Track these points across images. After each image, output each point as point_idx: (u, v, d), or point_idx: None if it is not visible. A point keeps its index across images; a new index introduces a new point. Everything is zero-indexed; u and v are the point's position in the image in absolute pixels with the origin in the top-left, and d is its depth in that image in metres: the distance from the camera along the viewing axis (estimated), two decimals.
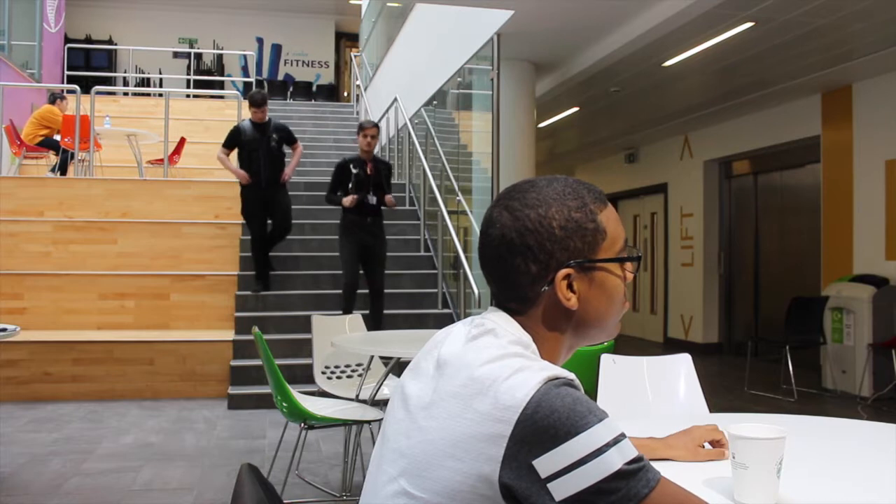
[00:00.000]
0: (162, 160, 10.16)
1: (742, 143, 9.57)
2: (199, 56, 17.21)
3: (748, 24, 5.91)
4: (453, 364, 1.05)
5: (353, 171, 6.50)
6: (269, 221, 7.34)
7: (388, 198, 6.64)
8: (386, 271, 7.30)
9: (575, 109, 9.56)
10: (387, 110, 10.23)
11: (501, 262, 1.12)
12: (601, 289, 1.14)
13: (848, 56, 6.82)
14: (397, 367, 3.53)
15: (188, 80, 16.17)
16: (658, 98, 8.87)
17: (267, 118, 7.27)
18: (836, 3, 5.41)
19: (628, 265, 1.17)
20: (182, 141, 10.64)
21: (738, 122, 9.50)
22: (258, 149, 7.12)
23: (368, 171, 6.52)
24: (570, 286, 1.12)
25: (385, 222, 6.77)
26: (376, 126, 6.71)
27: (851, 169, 7.69)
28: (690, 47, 6.57)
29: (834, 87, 7.83)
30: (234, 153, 7.30)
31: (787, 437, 1.32)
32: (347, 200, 6.37)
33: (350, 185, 6.45)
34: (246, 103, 7.54)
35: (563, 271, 1.11)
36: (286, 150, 7.36)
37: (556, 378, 0.98)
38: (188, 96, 15.00)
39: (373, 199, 6.52)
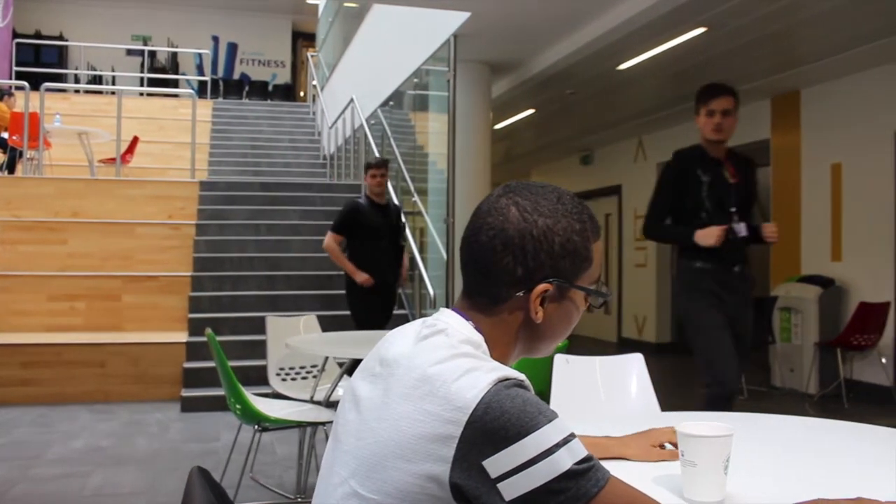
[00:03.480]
0: (114, 159, 9.99)
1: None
2: (153, 54, 16.95)
3: (701, 30, 6.01)
4: (404, 364, 1.05)
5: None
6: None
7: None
8: (341, 272, 7.23)
9: (531, 111, 9.61)
10: (343, 111, 10.19)
11: (491, 255, 1.12)
12: (565, 313, 1.16)
13: (796, 62, 6.96)
14: (352, 368, 3.52)
15: (142, 79, 15.93)
16: (613, 101, 8.97)
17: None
18: (786, 10, 5.52)
19: (595, 300, 1.19)
20: (135, 140, 10.48)
21: (691, 125, 9.50)
22: (382, 238, 5.72)
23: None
24: (542, 302, 1.13)
25: None
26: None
27: (799, 172, 7.86)
28: (645, 51, 6.65)
29: (783, 93, 7.99)
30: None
31: (735, 434, 1.35)
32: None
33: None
34: (202, 102, 7.29)
35: (543, 286, 1.12)
36: None
37: (507, 379, 0.99)
38: (142, 94, 14.78)
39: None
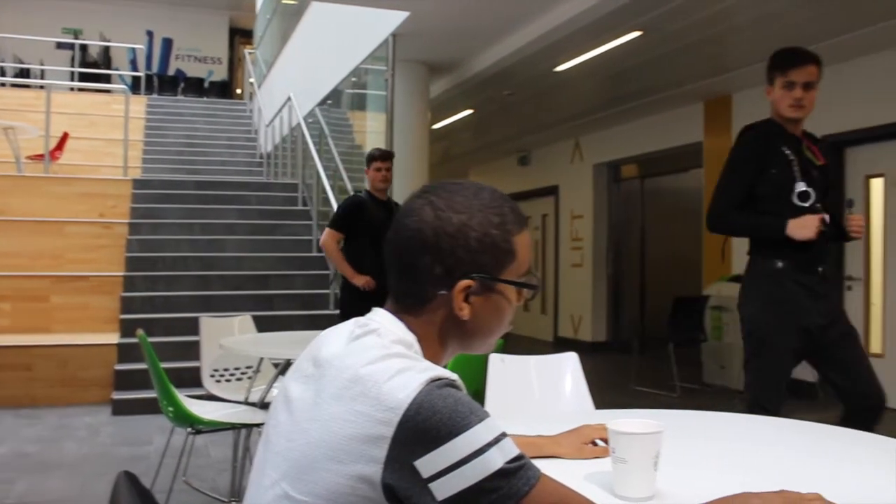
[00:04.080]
0: (42, 156, 9.70)
1: (630, 147, 9.87)
2: (84, 48, 16.51)
3: (636, 33, 6.11)
4: (335, 365, 1.05)
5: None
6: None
7: None
8: (278, 272, 7.15)
9: (469, 112, 9.65)
10: (280, 109, 10.08)
11: (409, 256, 1.13)
12: (494, 307, 1.16)
13: (728, 67, 7.13)
14: (287, 369, 3.48)
15: (72, 73, 15.51)
16: (550, 102, 9.06)
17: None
18: (718, 16, 5.65)
19: (526, 293, 1.19)
20: (65, 136, 10.20)
21: (627, 127, 9.79)
22: (384, 236, 5.47)
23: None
24: (466, 298, 1.13)
25: (275, 222, 6.50)
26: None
27: None
28: (581, 53, 6.73)
29: (715, 96, 8.17)
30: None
31: (665, 431, 1.38)
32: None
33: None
34: (136, 98, 7.09)
35: (465, 282, 1.12)
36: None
37: (439, 379, 0.99)
38: (72, 89, 14.38)
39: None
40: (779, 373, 3.03)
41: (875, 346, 6.71)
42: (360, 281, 4.97)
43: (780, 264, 3.03)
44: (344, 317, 4.56)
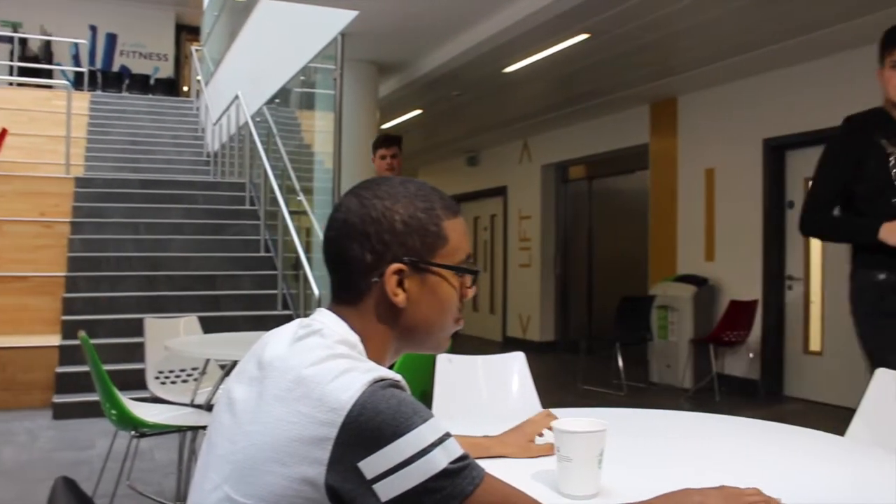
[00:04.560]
0: None
1: (578, 148, 9.97)
2: (23, 42, 16.09)
3: (584, 36, 6.17)
4: (278, 367, 1.04)
5: None
6: None
7: None
8: (227, 272, 7.06)
9: (418, 112, 9.65)
10: (227, 107, 9.96)
11: (340, 247, 1.13)
12: (433, 294, 1.15)
13: (674, 70, 7.24)
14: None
15: (11, 67, 15.10)
16: (499, 103, 9.10)
17: None
18: (664, 20, 5.74)
19: (468, 281, 1.19)
20: (4, 132, 9.93)
21: (575, 128, 9.89)
22: None
23: None
24: (400, 283, 1.13)
25: (222, 222, 6.44)
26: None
27: (676, 176, 8.18)
28: (530, 55, 6.78)
29: (661, 99, 8.30)
30: None
31: (608, 429, 1.39)
32: None
33: None
34: (78, 94, 6.94)
35: (395, 266, 1.12)
36: None
37: (383, 380, 0.99)
38: (11, 84, 14.00)
39: None
40: None
41: (814, 343, 6.89)
42: None
43: (881, 276, 2.65)
44: None
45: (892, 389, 2.07)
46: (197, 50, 14.76)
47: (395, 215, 1.12)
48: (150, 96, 15.17)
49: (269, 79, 8.97)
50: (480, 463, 1.01)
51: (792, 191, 6.99)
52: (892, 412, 2.06)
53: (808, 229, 2.89)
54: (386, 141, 4.76)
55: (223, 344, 3.84)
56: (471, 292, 1.20)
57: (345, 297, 1.15)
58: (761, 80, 7.08)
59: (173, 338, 4.16)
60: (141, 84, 16.30)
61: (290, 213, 7.07)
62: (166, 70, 17.72)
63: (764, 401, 6.92)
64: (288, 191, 7.66)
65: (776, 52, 6.38)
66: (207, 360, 3.94)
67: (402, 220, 1.12)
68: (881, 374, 2.12)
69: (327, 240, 1.16)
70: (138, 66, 17.27)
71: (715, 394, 7.04)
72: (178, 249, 7.91)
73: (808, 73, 6.65)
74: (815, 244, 6.85)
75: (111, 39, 17.23)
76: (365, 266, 1.12)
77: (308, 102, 9.24)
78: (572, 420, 1.42)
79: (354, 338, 1.11)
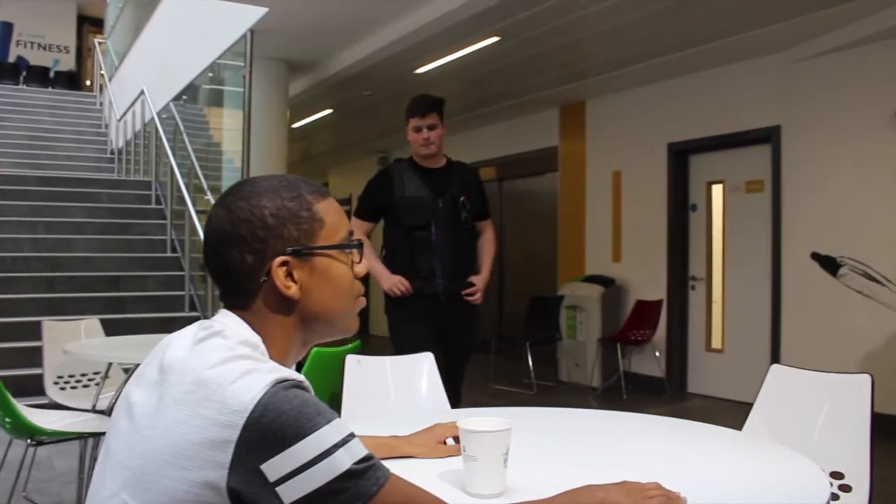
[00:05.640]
0: None
1: (489, 150, 10.05)
2: None
3: (495, 38, 6.23)
4: (178, 369, 1.02)
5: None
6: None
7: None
8: (132, 273, 6.90)
9: (329, 111, 9.57)
10: (133, 103, 9.69)
11: (220, 257, 1.12)
12: (324, 277, 1.15)
13: (583, 75, 7.39)
14: None
15: None
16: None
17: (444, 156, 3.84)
18: (574, 24, 5.85)
19: (356, 256, 1.19)
20: None
21: (486, 130, 9.98)
22: (433, 221, 3.63)
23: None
24: (289, 275, 1.12)
25: (127, 221, 6.19)
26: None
27: (584, 178, 8.35)
28: (441, 56, 6.81)
29: (570, 103, 8.46)
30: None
31: (513, 428, 1.41)
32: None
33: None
34: None
35: (279, 259, 1.11)
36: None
37: (285, 380, 0.98)
38: None
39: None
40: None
41: (716, 342, 7.13)
42: (387, 283, 3.53)
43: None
44: (399, 350, 3.25)
45: (784, 385, 2.17)
46: (100, 43, 14.31)
47: (264, 210, 1.11)
48: (51, 89, 14.63)
49: (177, 75, 8.77)
50: (388, 463, 1.01)
51: (695, 194, 7.22)
52: (784, 407, 2.15)
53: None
54: (420, 108, 3.69)
55: (126, 347, 3.74)
56: (361, 267, 1.20)
57: (238, 304, 1.14)
58: (666, 86, 7.29)
59: (74, 341, 4.03)
60: (40, 76, 15.68)
61: (198, 212, 6.91)
62: (67, 63, 17.10)
63: (669, 398, 7.12)
64: (195, 190, 7.49)
65: (681, 59, 6.58)
66: (110, 364, 3.83)
67: (272, 213, 1.12)
68: (775, 370, 2.21)
69: (207, 254, 1.14)
70: (37, 58, 16.60)
71: (622, 392, 7.21)
72: (80, 249, 7.63)
73: (710, 80, 6.88)
74: (717, 247, 7.10)
75: (7, 28, 16.52)
76: (249, 268, 1.11)
77: (217, 100, 9.07)
78: (478, 420, 1.43)
79: (256, 339, 1.10)
